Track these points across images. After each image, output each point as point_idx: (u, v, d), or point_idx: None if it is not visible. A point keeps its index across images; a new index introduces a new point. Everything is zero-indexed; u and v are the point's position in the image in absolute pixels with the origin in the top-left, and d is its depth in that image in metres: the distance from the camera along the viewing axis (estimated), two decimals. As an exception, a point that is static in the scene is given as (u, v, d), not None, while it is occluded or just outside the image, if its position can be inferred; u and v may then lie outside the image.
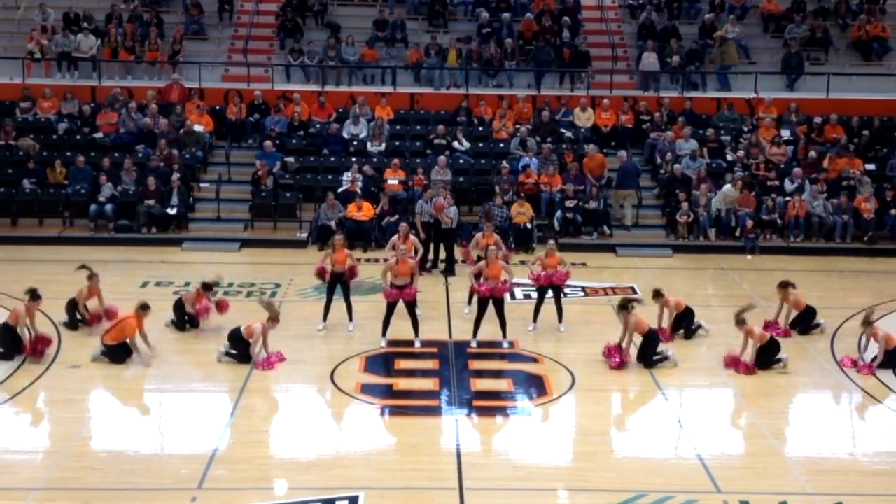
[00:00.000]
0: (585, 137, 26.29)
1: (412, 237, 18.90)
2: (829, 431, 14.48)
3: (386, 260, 17.87)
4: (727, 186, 24.08)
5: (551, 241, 18.28)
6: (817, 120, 26.84)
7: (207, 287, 17.82)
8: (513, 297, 19.53)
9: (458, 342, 17.23)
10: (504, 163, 24.75)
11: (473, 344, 16.93)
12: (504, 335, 16.96)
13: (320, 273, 17.67)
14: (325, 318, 17.60)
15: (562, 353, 16.77)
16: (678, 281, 20.88)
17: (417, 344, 16.83)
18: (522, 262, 21.75)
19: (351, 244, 22.86)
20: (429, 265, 21.81)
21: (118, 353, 15.97)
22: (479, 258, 18.01)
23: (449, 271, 21.61)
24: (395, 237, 18.58)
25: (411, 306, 16.92)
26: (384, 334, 16.92)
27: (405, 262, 16.73)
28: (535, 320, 17.84)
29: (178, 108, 26.63)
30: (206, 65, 28.23)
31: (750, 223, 23.66)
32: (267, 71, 28.23)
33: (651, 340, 16.26)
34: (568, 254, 22.45)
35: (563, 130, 26.53)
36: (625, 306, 16.12)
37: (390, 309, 16.86)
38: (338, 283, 17.55)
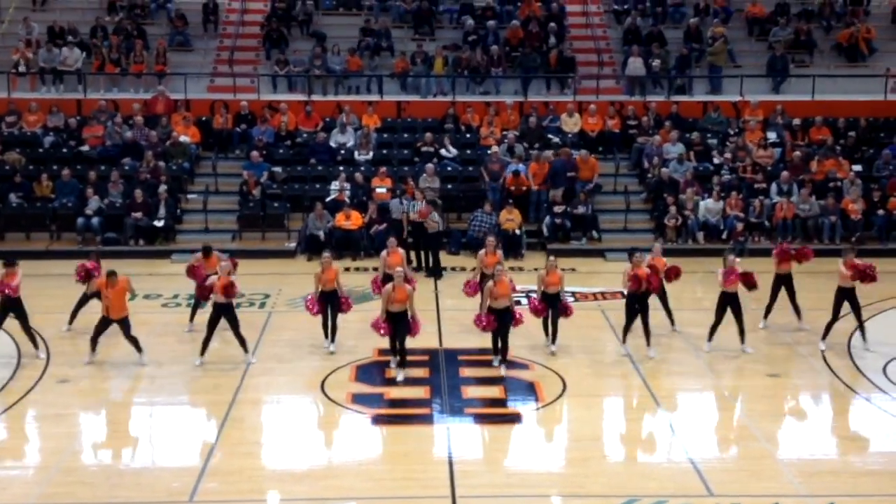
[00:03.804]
0: (573, 143, 26.31)
1: (400, 251, 18.50)
2: (821, 433, 14.53)
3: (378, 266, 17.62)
4: (709, 200, 24.13)
5: (552, 258, 17.63)
6: (796, 121, 26.89)
7: (208, 251, 18.06)
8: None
9: (448, 350, 17.20)
10: (493, 147, 25.22)
11: (502, 371, 16.14)
12: (504, 357, 16.33)
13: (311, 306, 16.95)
14: (326, 336, 17.09)
15: (553, 360, 16.73)
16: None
17: (400, 377, 15.82)
18: (511, 269, 21.82)
19: (340, 253, 23.01)
20: (413, 266, 21.98)
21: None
22: (483, 276, 17.71)
23: (437, 274, 21.79)
24: (384, 253, 18.10)
25: (402, 337, 15.98)
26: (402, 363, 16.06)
27: (402, 288, 15.79)
28: (547, 336, 17.20)
29: (164, 120, 26.58)
30: (191, 76, 28.18)
31: (739, 226, 23.71)
32: (253, 81, 28.18)
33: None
34: (557, 259, 22.52)
35: (550, 136, 26.56)
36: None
37: (392, 340, 16.05)
38: (329, 302, 16.92)
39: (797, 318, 18.21)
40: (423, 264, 22.42)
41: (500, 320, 16.08)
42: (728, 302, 16.86)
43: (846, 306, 17.16)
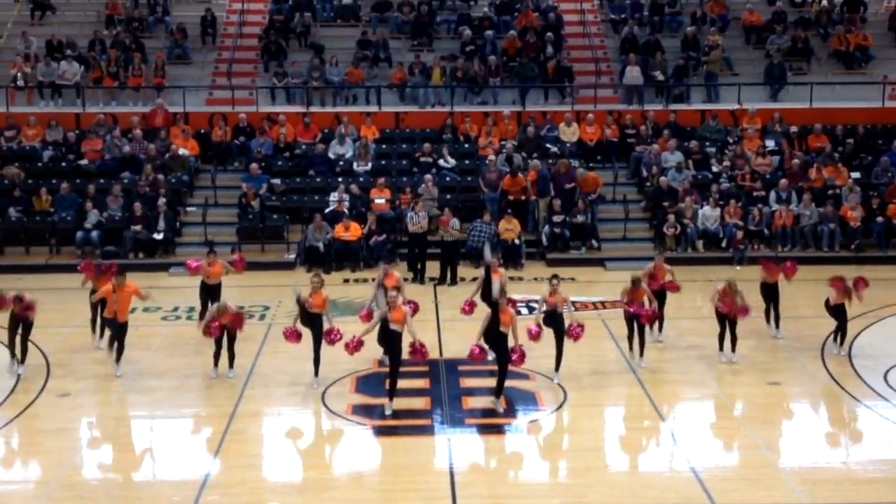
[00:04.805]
0: (571, 152, 26.34)
1: (395, 274, 17.31)
2: (822, 441, 14.51)
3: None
4: (706, 208, 24.17)
5: (555, 280, 16.21)
6: (794, 129, 26.91)
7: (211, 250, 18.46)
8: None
9: (448, 360, 17.18)
10: (490, 157, 25.29)
11: (500, 409, 15.11)
12: (498, 395, 15.24)
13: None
14: (316, 374, 16.10)
15: (557, 375, 16.66)
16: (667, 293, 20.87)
17: (388, 411, 15.02)
18: (510, 279, 21.81)
19: (339, 265, 23.08)
20: (412, 278, 22.29)
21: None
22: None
23: (453, 282, 22.26)
24: (380, 275, 17.17)
25: (396, 363, 15.13)
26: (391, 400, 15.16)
27: (398, 310, 15.00)
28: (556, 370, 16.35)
29: (162, 133, 26.60)
30: (190, 89, 28.20)
31: (739, 234, 23.73)
32: (251, 94, 28.22)
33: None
34: (557, 269, 22.51)
35: (548, 146, 26.57)
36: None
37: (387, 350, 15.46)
38: (312, 330, 15.90)
39: (774, 326, 18.32)
40: (420, 276, 22.58)
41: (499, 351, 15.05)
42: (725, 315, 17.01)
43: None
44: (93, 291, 17.64)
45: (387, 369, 15.88)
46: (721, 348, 17.04)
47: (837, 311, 17.25)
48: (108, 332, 17.47)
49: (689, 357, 17.35)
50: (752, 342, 17.94)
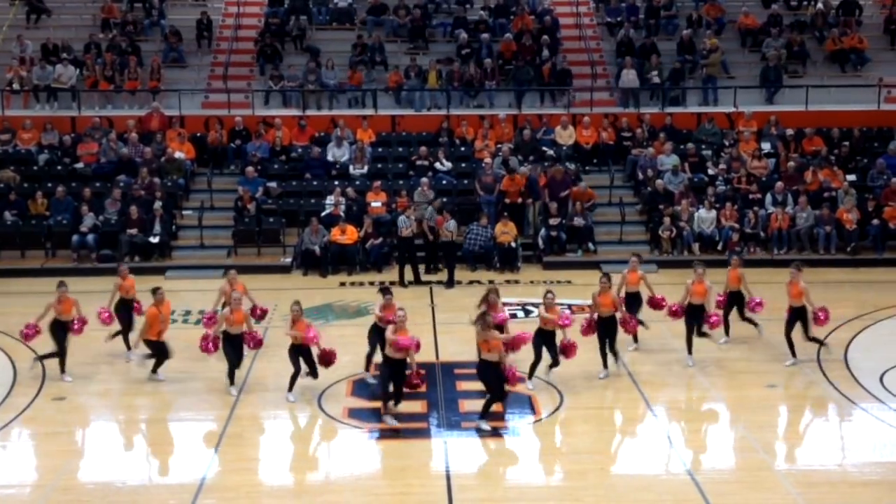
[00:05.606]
0: (568, 156, 26.36)
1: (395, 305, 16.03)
2: (818, 443, 14.53)
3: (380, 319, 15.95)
4: (702, 211, 24.18)
5: (550, 294, 16.01)
6: (790, 132, 26.92)
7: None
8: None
9: (445, 363, 17.17)
10: (486, 160, 25.25)
11: (485, 427, 14.66)
12: (482, 417, 14.80)
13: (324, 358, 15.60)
14: (291, 388, 15.69)
15: (549, 372, 16.67)
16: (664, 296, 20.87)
17: (389, 412, 15.01)
18: (507, 282, 21.79)
19: (335, 268, 23.05)
20: (410, 280, 22.30)
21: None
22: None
23: (450, 284, 22.16)
24: (376, 309, 16.27)
25: (401, 380, 14.91)
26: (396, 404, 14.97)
27: (404, 332, 14.78)
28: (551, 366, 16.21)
29: (158, 137, 26.58)
30: (185, 92, 28.18)
31: (735, 237, 23.76)
32: (247, 97, 28.21)
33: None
34: (553, 272, 22.61)
35: (544, 149, 26.58)
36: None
37: (390, 376, 14.88)
38: (300, 353, 15.55)
39: (755, 328, 18.28)
40: (416, 278, 22.54)
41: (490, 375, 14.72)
42: (693, 312, 17.03)
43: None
44: (121, 302, 17.60)
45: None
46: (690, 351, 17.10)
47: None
48: (131, 343, 17.47)
49: (684, 360, 17.33)
50: (749, 345, 17.94)
